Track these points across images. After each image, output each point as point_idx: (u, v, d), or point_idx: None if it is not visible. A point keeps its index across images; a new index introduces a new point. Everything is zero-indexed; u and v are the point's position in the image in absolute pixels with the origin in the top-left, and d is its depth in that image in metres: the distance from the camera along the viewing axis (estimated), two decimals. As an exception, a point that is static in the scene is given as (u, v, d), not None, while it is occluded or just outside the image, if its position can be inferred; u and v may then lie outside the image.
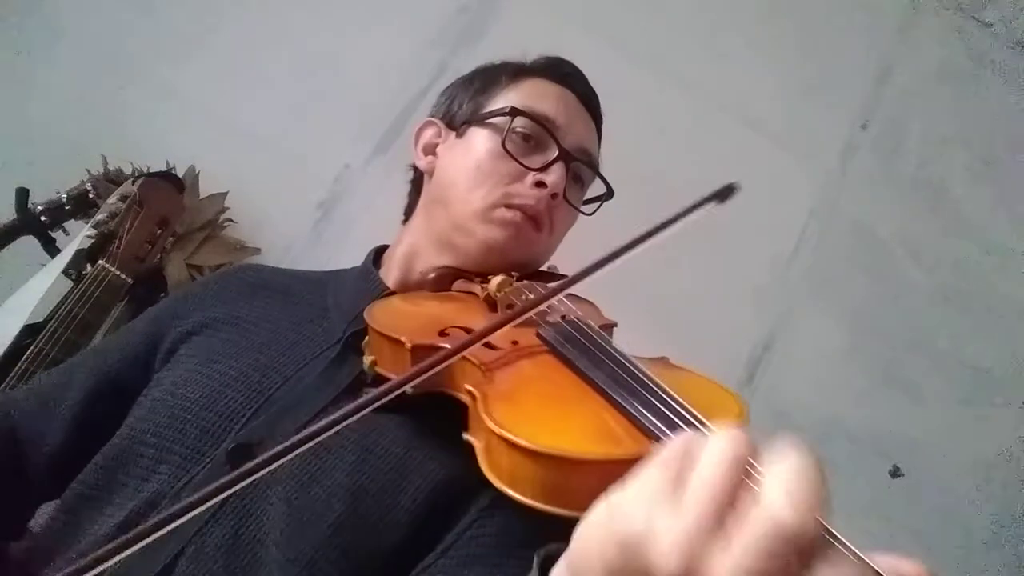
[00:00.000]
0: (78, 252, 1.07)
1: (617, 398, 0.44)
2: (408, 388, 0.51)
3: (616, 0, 1.47)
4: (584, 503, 0.31)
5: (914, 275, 1.44)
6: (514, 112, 0.76)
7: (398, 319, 0.63)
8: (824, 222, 1.44)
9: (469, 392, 0.48)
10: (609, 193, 0.86)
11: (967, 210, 1.49)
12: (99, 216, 1.07)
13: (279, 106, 1.34)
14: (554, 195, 0.74)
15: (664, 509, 0.28)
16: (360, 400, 0.40)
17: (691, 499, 0.28)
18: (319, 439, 0.39)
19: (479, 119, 0.79)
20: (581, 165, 0.80)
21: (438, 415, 0.54)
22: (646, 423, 0.41)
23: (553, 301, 0.62)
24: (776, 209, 1.40)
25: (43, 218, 1.09)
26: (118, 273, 1.03)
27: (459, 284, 0.75)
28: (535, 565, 0.38)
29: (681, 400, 0.41)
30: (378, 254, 0.84)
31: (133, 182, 1.12)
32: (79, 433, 0.69)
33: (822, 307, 1.40)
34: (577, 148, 0.78)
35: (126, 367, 0.72)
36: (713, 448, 0.29)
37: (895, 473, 1.32)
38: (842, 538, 0.28)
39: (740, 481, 0.28)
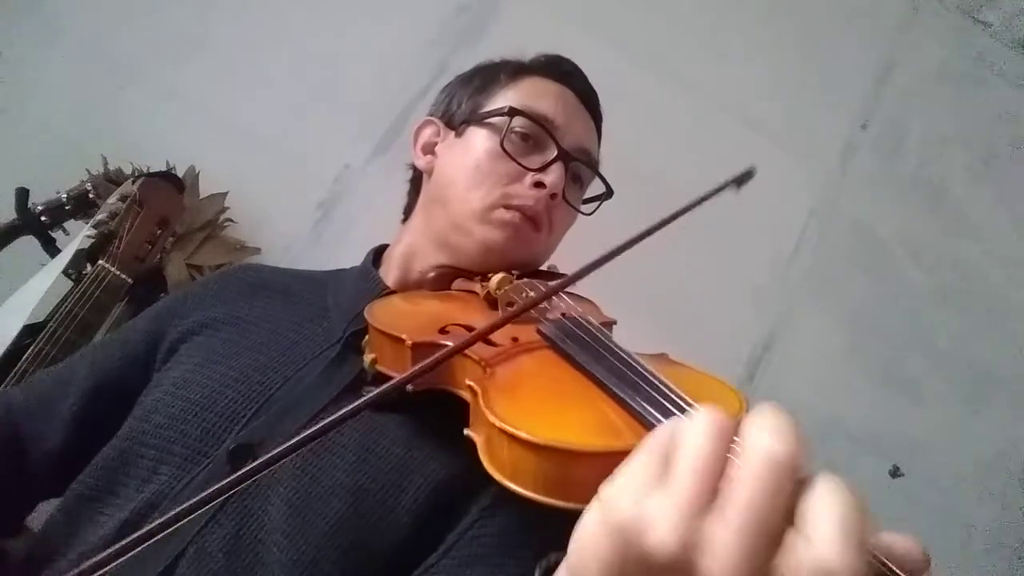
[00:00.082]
0: (78, 252, 1.07)
1: (617, 391, 0.44)
2: (409, 386, 0.51)
3: (616, 0, 1.47)
4: (585, 496, 0.31)
5: (914, 275, 1.44)
6: (512, 112, 0.75)
7: (398, 317, 0.63)
8: (824, 222, 1.44)
9: (470, 388, 0.49)
10: (608, 193, 0.86)
11: (967, 210, 1.49)
12: (99, 216, 1.07)
13: (279, 106, 1.34)
14: (553, 195, 0.74)
15: (653, 493, 0.28)
16: (361, 399, 0.40)
17: (679, 478, 0.28)
18: (320, 439, 0.39)
19: (478, 119, 0.79)
20: (580, 165, 0.80)
21: (439, 415, 0.54)
22: (646, 416, 0.41)
23: (553, 298, 0.62)
24: (776, 209, 1.40)
25: (43, 218, 1.09)
26: (118, 273, 1.03)
27: (459, 283, 0.75)
28: None
29: (681, 393, 0.41)
30: (378, 254, 0.84)
31: (133, 182, 1.12)
32: (79, 433, 0.69)
33: (822, 307, 1.40)
34: (576, 148, 0.78)
35: (126, 367, 0.72)
36: (695, 427, 0.30)
37: (895, 473, 1.32)
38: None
39: (725, 455, 0.28)
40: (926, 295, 1.43)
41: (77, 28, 1.32)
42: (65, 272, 1.07)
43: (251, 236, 1.27)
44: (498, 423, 0.42)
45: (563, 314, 0.59)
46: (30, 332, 0.99)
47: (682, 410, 0.40)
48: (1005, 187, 1.50)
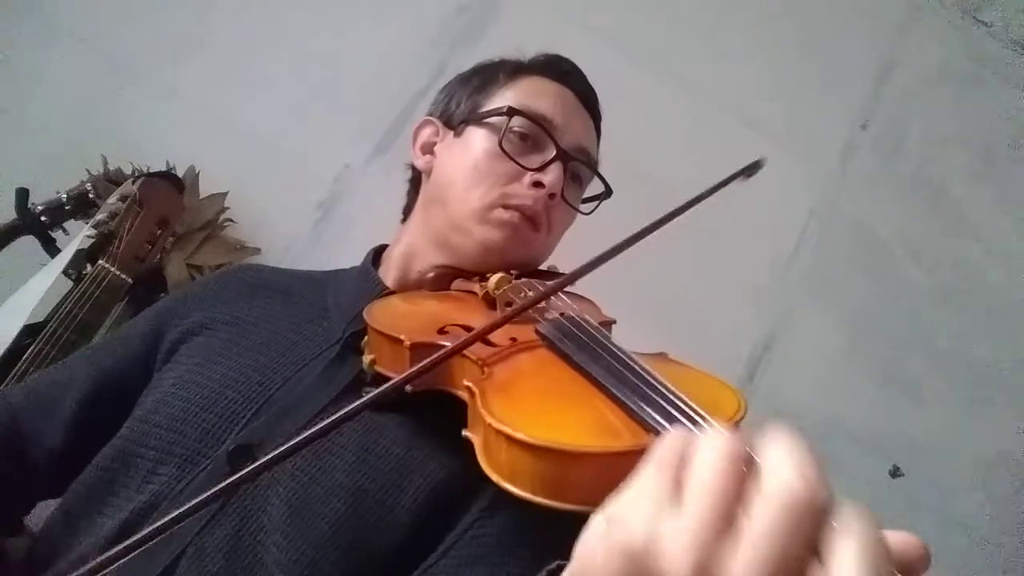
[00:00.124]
0: (78, 252, 1.07)
1: (615, 391, 0.44)
2: (408, 386, 0.51)
3: (616, 0, 1.47)
4: (583, 496, 0.31)
5: (914, 275, 1.44)
6: (511, 112, 0.75)
7: (397, 318, 0.63)
8: (824, 222, 1.44)
9: (467, 388, 0.48)
10: (608, 192, 0.86)
11: (967, 210, 1.49)
12: (99, 216, 1.07)
13: (279, 106, 1.34)
14: (552, 195, 0.74)
15: (666, 514, 0.28)
16: (361, 400, 0.40)
17: (693, 500, 0.27)
18: (319, 439, 0.39)
19: (477, 118, 0.79)
20: (579, 164, 0.80)
21: (438, 415, 0.54)
22: (644, 416, 0.41)
23: (552, 298, 0.62)
24: (776, 209, 1.40)
25: (43, 218, 1.09)
26: (118, 273, 1.03)
27: (458, 283, 0.75)
28: None
29: (679, 393, 0.41)
30: (377, 254, 0.84)
31: (133, 182, 1.12)
32: (79, 433, 0.69)
33: (822, 307, 1.40)
34: (575, 147, 0.78)
35: (126, 367, 0.72)
36: (708, 446, 0.29)
37: (895, 473, 1.32)
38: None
39: (739, 477, 0.28)
40: (926, 295, 1.43)
41: (77, 28, 1.32)
42: (65, 272, 1.07)
43: (251, 236, 1.27)
44: (495, 424, 0.42)
45: (561, 314, 0.59)
46: (30, 332, 0.99)
47: (681, 411, 0.40)
48: (1005, 187, 1.50)
